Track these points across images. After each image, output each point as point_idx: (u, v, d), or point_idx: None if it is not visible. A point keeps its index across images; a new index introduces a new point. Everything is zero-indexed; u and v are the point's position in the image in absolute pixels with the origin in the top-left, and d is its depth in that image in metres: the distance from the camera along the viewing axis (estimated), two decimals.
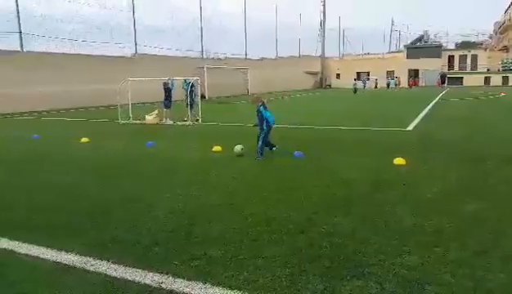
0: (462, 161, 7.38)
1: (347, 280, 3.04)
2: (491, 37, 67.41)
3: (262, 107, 7.83)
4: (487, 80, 53.62)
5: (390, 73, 55.79)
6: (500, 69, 54.74)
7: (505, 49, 57.35)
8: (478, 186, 5.70)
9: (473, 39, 63.61)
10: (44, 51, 24.91)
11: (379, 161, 7.42)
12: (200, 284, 3.02)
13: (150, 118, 15.27)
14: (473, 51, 58.27)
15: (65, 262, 3.43)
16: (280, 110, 17.35)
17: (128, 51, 30.57)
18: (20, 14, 24.03)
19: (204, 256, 3.49)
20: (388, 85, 50.32)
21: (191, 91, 15.36)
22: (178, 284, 3.02)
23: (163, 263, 3.37)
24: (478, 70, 55.90)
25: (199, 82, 16.47)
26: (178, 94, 16.19)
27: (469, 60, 57.65)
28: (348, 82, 53.06)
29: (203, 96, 22.87)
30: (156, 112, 15.46)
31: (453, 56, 58.67)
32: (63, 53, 25.79)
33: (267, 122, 7.77)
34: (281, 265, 3.30)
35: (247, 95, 37.16)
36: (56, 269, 3.31)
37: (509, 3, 59.54)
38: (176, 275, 3.15)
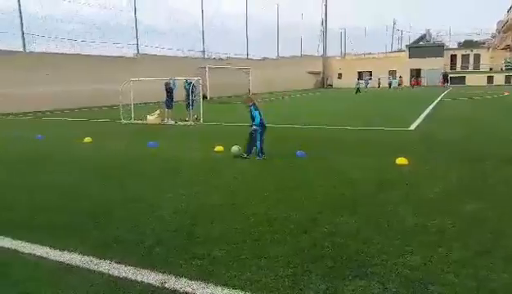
0: (464, 161, 7.36)
1: (349, 280, 3.04)
2: (493, 37, 67.13)
3: (253, 107, 7.90)
4: (489, 79, 53.39)
5: (392, 73, 55.62)
6: (503, 68, 54.52)
7: (508, 48, 57.09)
8: (480, 186, 5.69)
9: (475, 38, 63.40)
10: (46, 52, 24.99)
11: (381, 161, 7.40)
12: (203, 284, 3.02)
13: (151, 118, 15.30)
14: (475, 51, 58.00)
15: (67, 262, 3.44)
16: (281, 110, 17.39)
17: (127, 51, 30.63)
18: (22, 14, 24.12)
19: (206, 255, 3.50)
20: (390, 84, 50.19)
21: (192, 91, 15.39)
22: (181, 284, 3.03)
23: (165, 263, 3.37)
24: (481, 69, 55.70)
25: (200, 82, 16.48)
26: (180, 94, 16.21)
27: (471, 60, 57.41)
28: (349, 81, 52.94)
29: (204, 97, 22.84)
30: (158, 112, 15.50)
31: (455, 56, 58.44)
32: (64, 53, 25.86)
33: (254, 120, 7.85)
34: (284, 264, 3.30)
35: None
36: (59, 269, 3.33)
37: None
38: (179, 275, 3.16)
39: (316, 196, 5.27)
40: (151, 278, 3.13)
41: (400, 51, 66.03)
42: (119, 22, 29.75)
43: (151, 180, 6.44)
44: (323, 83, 61.56)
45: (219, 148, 8.76)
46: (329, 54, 62.80)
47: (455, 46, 61.81)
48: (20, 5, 23.94)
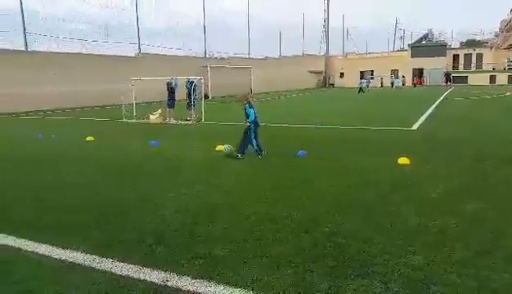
0: (465, 160, 7.35)
1: (351, 279, 3.04)
2: (496, 36, 66.85)
3: (247, 105, 7.95)
4: (492, 79, 53.21)
5: (394, 72, 55.48)
6: (506, 67, 54.30)
7: (511, 47, 56.84)
8: (481, 186, 5.68)
9: (478, 38, 63.16)
10: (50, 51, 25.04)
11: (383, 160, 7.40)
12: (205, 282, 3.03)
13: (153, 118, 15.32)
14: (478, 50, 57.77)
15: (70, 260, 3.45)
16: (282, 110, 17.39)
17: (127, 50, 30.64)
18: (23, 13, 24.17)
19: (208, 254, 3.51)
20: (392, 84, 50.07)
21: (194, 90, 15.40)
22: (183, 282, 3.04)
23: (168, 261, 3.38)
24: (484, 69, 55.49)
25: (202, 81, 16.49)
26: (182, 93, 16.23)
27: (474, 59, 57.21)
28: (351, 81, 52.83)
29: (206, 96, 22.87)
30: (160, 111, 15.52)
31: (458, 55, 58.22)
32: (67, 53, 25.91)
33: (248, 118, 7.89)
34: (286, 263, 3.31)
35: (250, 94, 37.13)
36: (62, 267, 3.34)
37: None
38: (181, 273, 3.17)
39: (316, 195, 5.27)
40: (154, 276, 3.14)
41: (402, 50, 65.84)
42: (120, 21, 29.84)
43: (153, 178, 6.45)
44: (325, 83, 61.49)
45: (220, 147, 8.75)
46: (331, 53, 62.74)
47: (458, 46, 61.57)
48: (21, 3, 23.99)
